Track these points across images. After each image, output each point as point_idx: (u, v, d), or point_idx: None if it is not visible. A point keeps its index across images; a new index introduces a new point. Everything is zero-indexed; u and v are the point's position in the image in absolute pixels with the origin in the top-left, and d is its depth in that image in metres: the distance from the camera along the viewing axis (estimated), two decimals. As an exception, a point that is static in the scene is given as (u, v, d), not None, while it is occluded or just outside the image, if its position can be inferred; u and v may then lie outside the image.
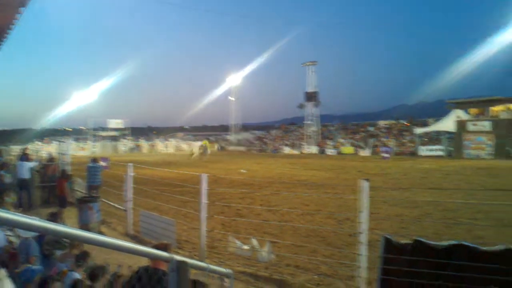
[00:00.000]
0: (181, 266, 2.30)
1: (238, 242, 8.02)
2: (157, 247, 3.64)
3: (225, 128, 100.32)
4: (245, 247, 7.82)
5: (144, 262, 4.09)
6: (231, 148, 71.30)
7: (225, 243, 8.64)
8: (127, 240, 9.04)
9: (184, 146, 72.20)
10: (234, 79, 77.85)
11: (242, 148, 68.96)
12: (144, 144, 69.86)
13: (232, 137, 78.93)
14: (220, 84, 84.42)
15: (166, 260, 2.32)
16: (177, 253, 5.89)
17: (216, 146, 48.03)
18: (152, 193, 13.09)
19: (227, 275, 3.73)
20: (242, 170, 28.11)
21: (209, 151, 44.37)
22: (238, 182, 20.64)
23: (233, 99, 78.95)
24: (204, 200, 8.01)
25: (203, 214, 8.00)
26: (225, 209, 13.07)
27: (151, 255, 2.31)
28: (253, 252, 7.70)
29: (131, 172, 10.73)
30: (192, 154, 44.11)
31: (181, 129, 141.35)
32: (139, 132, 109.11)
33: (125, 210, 10.91)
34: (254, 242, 7.71)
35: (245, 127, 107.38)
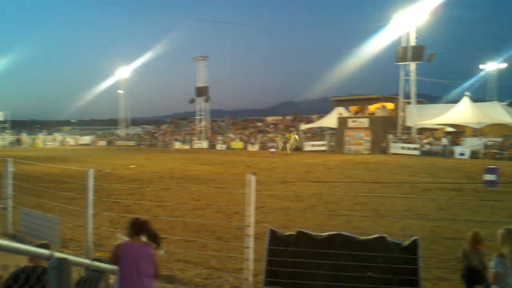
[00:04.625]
0: (62, 264, 2.24)
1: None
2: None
3: (114, 122, 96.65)
4: (134, 243, 7.66)
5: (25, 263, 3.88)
6: (120, 143, 69.11)
7: (113, 240, 8.40)
8: (6, 240, 8.43)
9: (71, 140, 68.60)
10: (124, 72, 75.17)
11: (131, 143, 67.11)
12: (26, 138, 65.33)
13: (121, 131, 76.47)
14: (109, 76, 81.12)
15: (46, 258, 2.25)
16: (62, 252, 5.63)
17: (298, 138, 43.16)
18: (35, 190, 12.29)
19: (112, 272, 3.68)
20: (131, 166, 27.39)
21: (292, 144, 41.69)
22: (127, 177, 20.12)
23: (122, 92, 76.40)
24: (90, 196, 7.71)
25: (90, 211, 7.71)
26: (113, 205, 12.64)
27: (29, 252, 2.21)
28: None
29: (10, 168, 9.98)
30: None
31: (67, 122, 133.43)
32: (21, 125, 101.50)
33: (4, 208, 10.13)
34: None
35: (135, 122, 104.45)
